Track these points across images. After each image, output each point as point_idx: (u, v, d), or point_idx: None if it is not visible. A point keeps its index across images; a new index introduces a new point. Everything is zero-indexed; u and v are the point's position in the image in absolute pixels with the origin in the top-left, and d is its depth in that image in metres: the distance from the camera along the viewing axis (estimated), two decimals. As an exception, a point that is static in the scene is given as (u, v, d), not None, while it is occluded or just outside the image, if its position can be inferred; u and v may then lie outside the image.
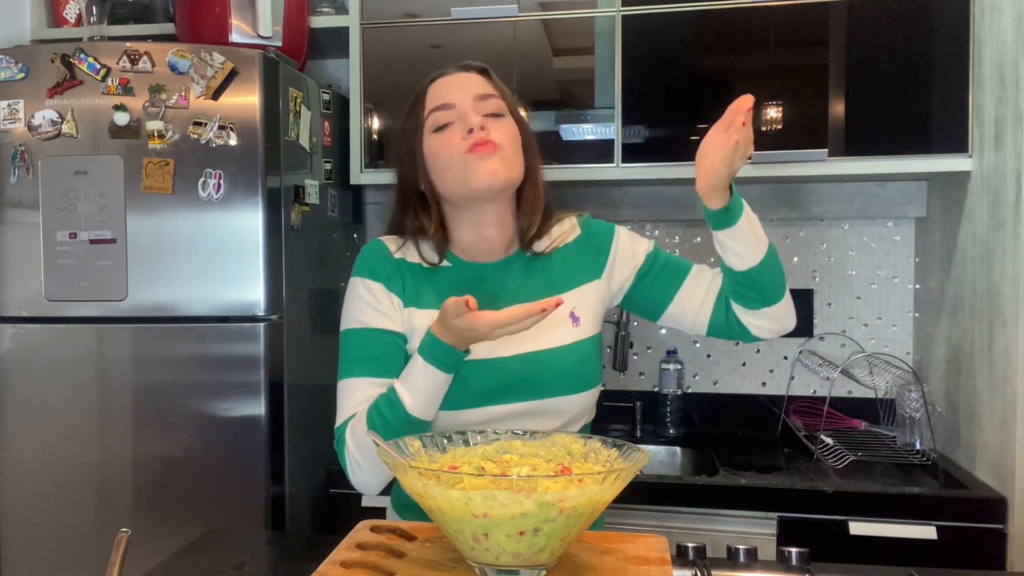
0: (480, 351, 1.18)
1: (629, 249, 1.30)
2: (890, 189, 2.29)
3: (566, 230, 1.31)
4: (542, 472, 0.93)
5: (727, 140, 1.11)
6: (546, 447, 1.02)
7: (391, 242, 1.28)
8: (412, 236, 1.26)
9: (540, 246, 1.29)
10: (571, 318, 1.24)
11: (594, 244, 1.30)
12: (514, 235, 1.28)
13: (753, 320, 1.25)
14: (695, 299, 1.28)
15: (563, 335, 1.23)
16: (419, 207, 1.26)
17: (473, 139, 1.18)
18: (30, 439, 1.93)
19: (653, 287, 1.30)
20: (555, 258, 1.29)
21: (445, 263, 1.26)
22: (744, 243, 1.19)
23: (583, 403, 1.24)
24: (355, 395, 1.21)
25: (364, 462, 1.17)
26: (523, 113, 1.31)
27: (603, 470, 0.93)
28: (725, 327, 1.28)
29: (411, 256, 1.26)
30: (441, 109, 1.21)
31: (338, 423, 1.21)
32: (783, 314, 1.26)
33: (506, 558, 0.86)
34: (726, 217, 1.18)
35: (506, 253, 1.28)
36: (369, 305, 1.23)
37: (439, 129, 1.21)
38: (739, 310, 1.26)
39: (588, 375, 1.24)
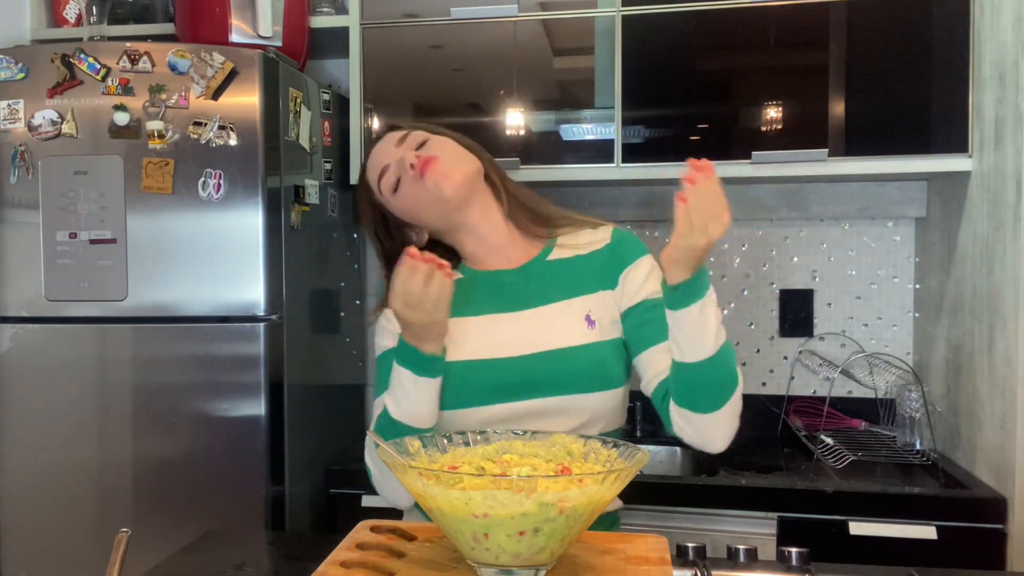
0: (491, 351, 1.22)
1: (640, 280, 1.26)
2: (890, 189, 2.29)
3: (598, 238, 1.32)
4: (542, 472, 0.93)
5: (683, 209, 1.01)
6: (546, 447, 1.02)
7: None
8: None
9: (562, 243, 1.31)
10: (586, 320, 1.25)
11: (618, 255, 1.29)
12: (513, 231, 1.31)
13: (675, 415, 1.18)
14: (659, 364, 1.21)
15: (577, 336, 1.23)
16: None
17: (417, 166, 1.24)
18: (30, 439, 1.93)
19: (637, 330, 1.25)
20: (576, 263, 1.30)
21: (458, 275, 1.30)
22: (687, 334, 1.11)
23: (601, 404, 1.24)
24: (378, 412, 1.26)
25: (379, 474, 1.21)
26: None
27: (603, 470, 0.92)
28: (661, 403, 1.22)
29: None
30: (383, 175, 1.28)
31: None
32: (709, 430, 1.17)
33: (506, 558, 0.86)
34: (673, 297, 1.10)
35: (521, 260, 1.31)
36: (384, 330, 1.29)
37: (394, 192, 1.28)
38: (671, 396, 1.18)
39: (605, 376, 1.23)
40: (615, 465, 0.94)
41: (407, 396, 1.16)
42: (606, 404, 1.25)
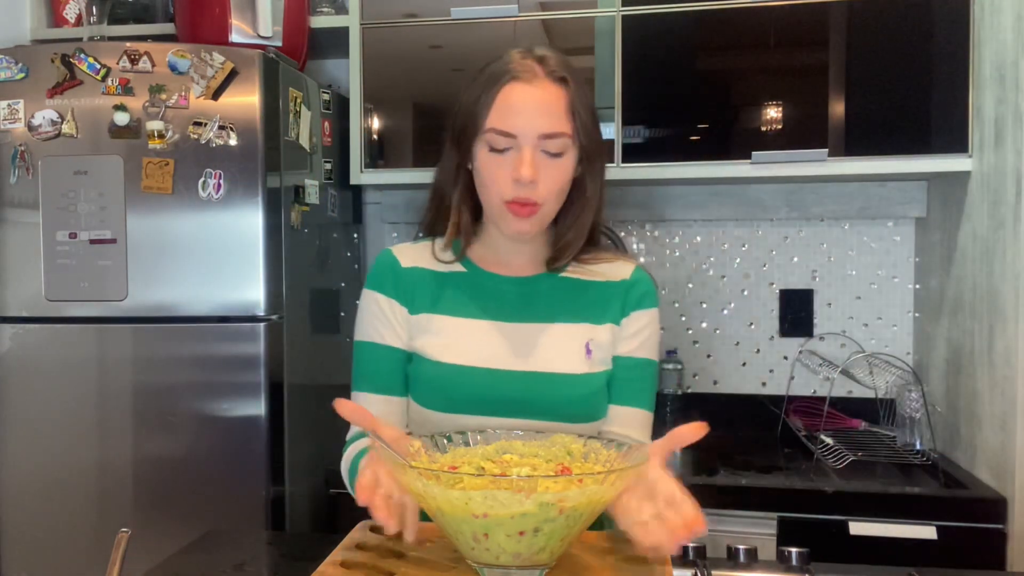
0: (484, 360, 1.18)
1: (633, 332, 1.23)
2: (890, 189, 2.29)
3: (618, 271, 1.25)
4: (542, 472, 0.93)
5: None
6: (546, 447, 1.02)
7: (401, 252, 1.26)
8: (436, 233, 1.26)
9: (579, 266, 1.24)
10: (585, 348, 1.20)
11: (632, 296, 1.24)
12: (543, 245, 1.24)
13: None
14: (614, 423, 1.22)
15: (573, 363, 1.19)
16: (459, 198, 1.23)
17: (517, 196, 1.14)
18: (30, 439, 1.93)
19: (615, 379, 1.23)
20: (589, 288, 1.24)
21: (459, 267, 1.24)
22: None
23: (584, 433, 1.19)
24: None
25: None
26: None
27: (603, 470, 0.92)
28: None
29: (425, 262, 1.25)
30: (502, 135, 1.14)
31: (348, 436, 1.26)
32: None
33: (506, 558, 0.86)
34: None
35: (531, 271, 1.25)
36: (374, 317, 1.24)
37: (494, 150, 1.15)
38: None
39: (593, 407, 1.20)
40: (615, 465, 0.94)
41: None
42: (589, 433, 1.21)
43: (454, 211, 1.23)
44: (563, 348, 1.20)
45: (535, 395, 1.18)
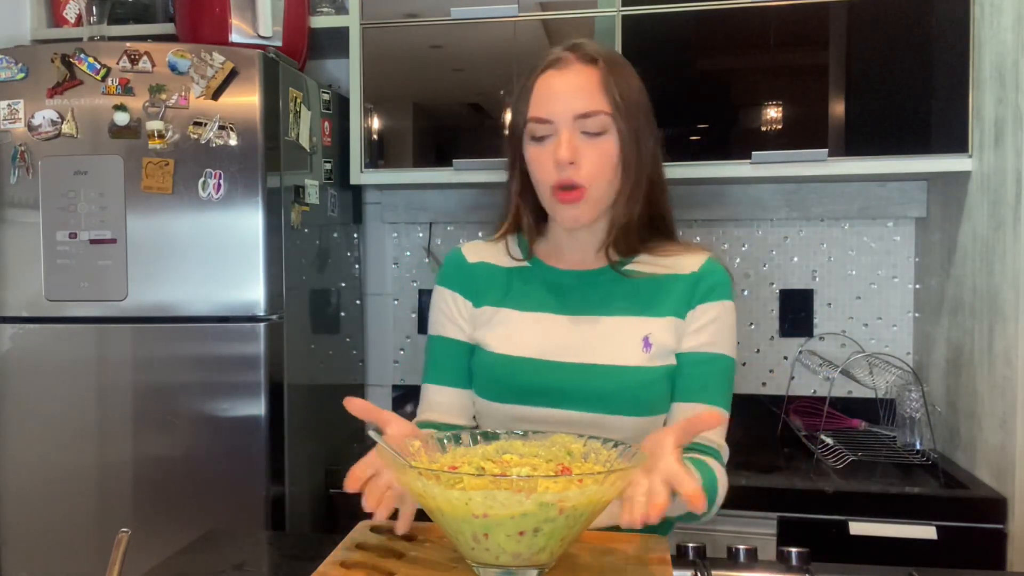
0: (537, 351, 1.20)
1: (700, 325, 1.20)
2: (890, 189, 2.29)
3: (687, 264, 1.23)
4: (542, 472, 0.93)
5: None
6: (546, 447, 1.02)
7: (469, 249, 1.31)
8: (509, 230, 1.29)
9: (643, 259, 1.24)
10: (644, 342, 1.19)
11: (700, 289, 1.22)
12: (605, 236, 1.24)
13: None
14: (678, 419, 1.20)
15: (631, 356, 1.19)
16: (517, 197, 1.25)
17: (560, 179, 1.15)
18: (30, 439, 1.93)
19: (679, 375, 1.22)
20: (652, 283, 1.23)
21: (526, 264, 1.28)
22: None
23: (639, 427, 1.18)
24: (426, 399, 1.30)
25: None
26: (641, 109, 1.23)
27: (603, 470, 0.92)
28: None
29: (493, 258, 1.30)
30: (540, 123, 1.17)
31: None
32: None
33: (506, 558, 0.86)
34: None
35: (594, 264, 1.25)
36: (439, 311, 1.30)
37: (535, 140, 1.18)
38: None
39: (649, 401, 1.19)
40: (615, 465, 0.94)
41: None
42: (644, 428, 1.19)
43: (512, 209, 1.27)
44: (619, 341, 1.20)
45: (588, 386, 1.18)
